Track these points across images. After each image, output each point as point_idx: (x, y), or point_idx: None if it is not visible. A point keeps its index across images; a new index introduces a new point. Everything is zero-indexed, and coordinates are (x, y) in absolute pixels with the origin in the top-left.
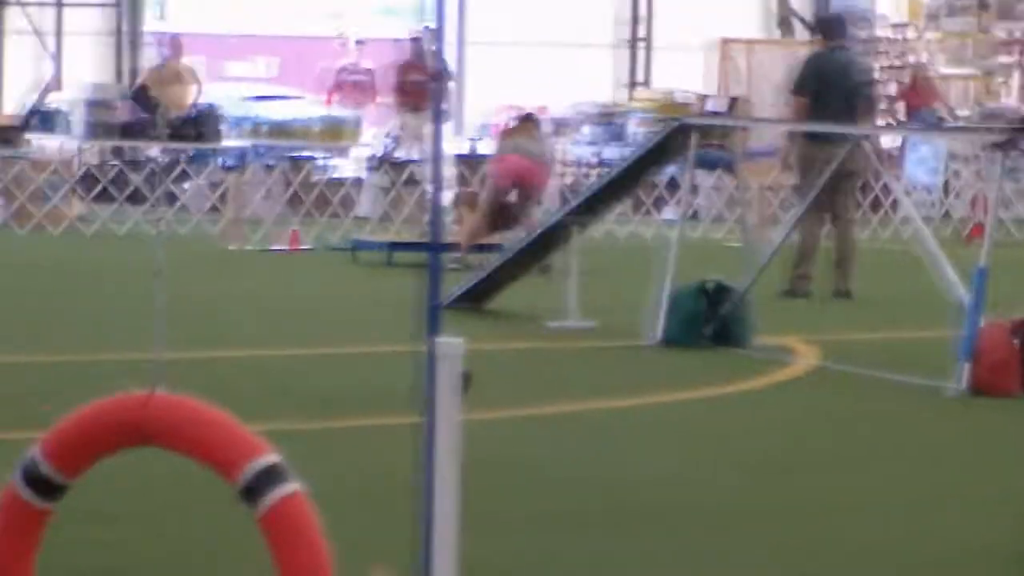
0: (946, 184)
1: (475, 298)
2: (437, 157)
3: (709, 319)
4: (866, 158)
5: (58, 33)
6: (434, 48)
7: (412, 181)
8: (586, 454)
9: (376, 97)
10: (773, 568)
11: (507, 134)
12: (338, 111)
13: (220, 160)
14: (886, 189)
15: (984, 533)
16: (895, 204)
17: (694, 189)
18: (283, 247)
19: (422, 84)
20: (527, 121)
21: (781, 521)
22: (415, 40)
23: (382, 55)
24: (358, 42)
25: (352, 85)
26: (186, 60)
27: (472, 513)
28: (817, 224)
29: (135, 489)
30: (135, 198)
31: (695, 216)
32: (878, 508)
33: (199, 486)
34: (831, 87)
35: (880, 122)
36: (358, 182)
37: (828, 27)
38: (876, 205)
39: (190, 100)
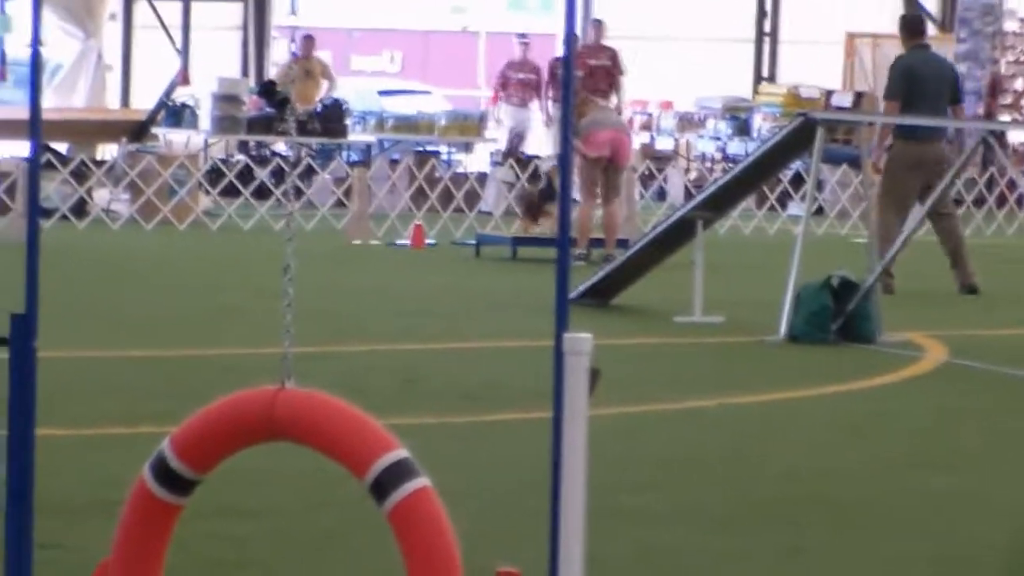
0: None
1: (601, 293)
2: (566, 152)
3: (835, 315)
4: (957, 153)
5: (186, 28)
6: (596, 42)
7: (536, 176)
8: (713, 450)
9: (541, 95)
10: (902, 562)
11: (579, 115)
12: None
13: (346, 155)
14: (1012, 185)
15: None
16: (1021, 200)
17: (819, 184)
18: (407, 242)
19: (580, 78)
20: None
21: (912, 517)
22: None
23: (547, 52)
24: (522, 38)
25: (518, 83)
26: (317, 56)
27: (599, 509)
28: (895, 222)
29: (267, 484)
30: (261, 193)
31: (820, 211)
32: (1009, 506)
33: (331, 481)
34: (919, 87)
35: (1007, 117)
36: (483, 177)
37: (908, 26)
38: (1002, 201)
39: (319, 96)
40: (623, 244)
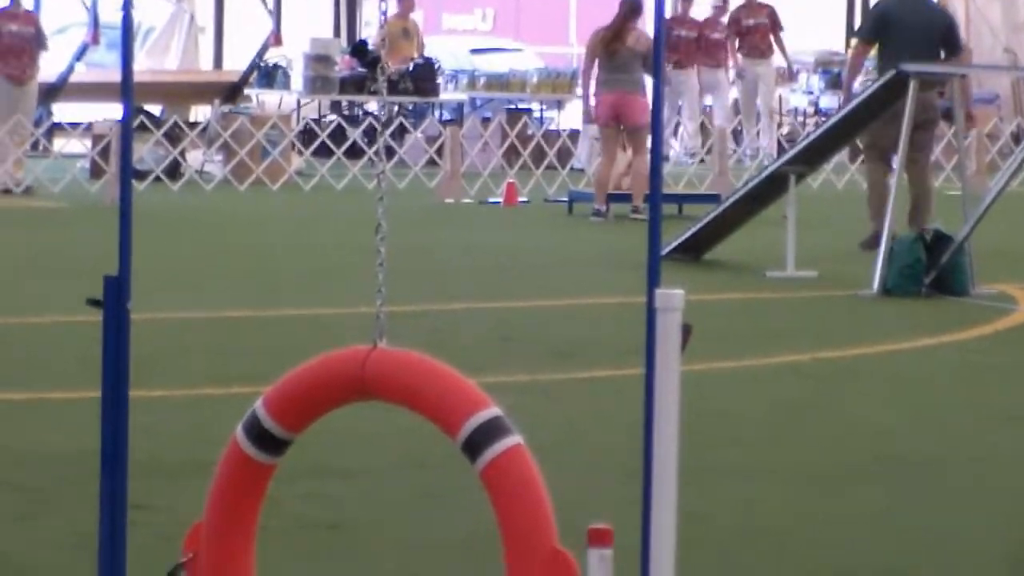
0: None
1: (693, 249)
2: (658, 109)
3: (928, 268)
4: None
5: None
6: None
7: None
8: (807, 405)
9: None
10: (1002, 522)
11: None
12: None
13: (438, 113)
14: None
15: None
16: None
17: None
18: (500, 200)
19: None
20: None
21: (1011, 474)
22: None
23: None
24: None
25: (682, 40)
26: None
27: (692, 465)
28: (880, 172)
29: (360, 444)
30: (353, 152)
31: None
32: None
33: (424, 440)
34: (896, 32)
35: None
36: (575, 134)
37: None
38: None
39: (412, 55)
40: (714, 199)
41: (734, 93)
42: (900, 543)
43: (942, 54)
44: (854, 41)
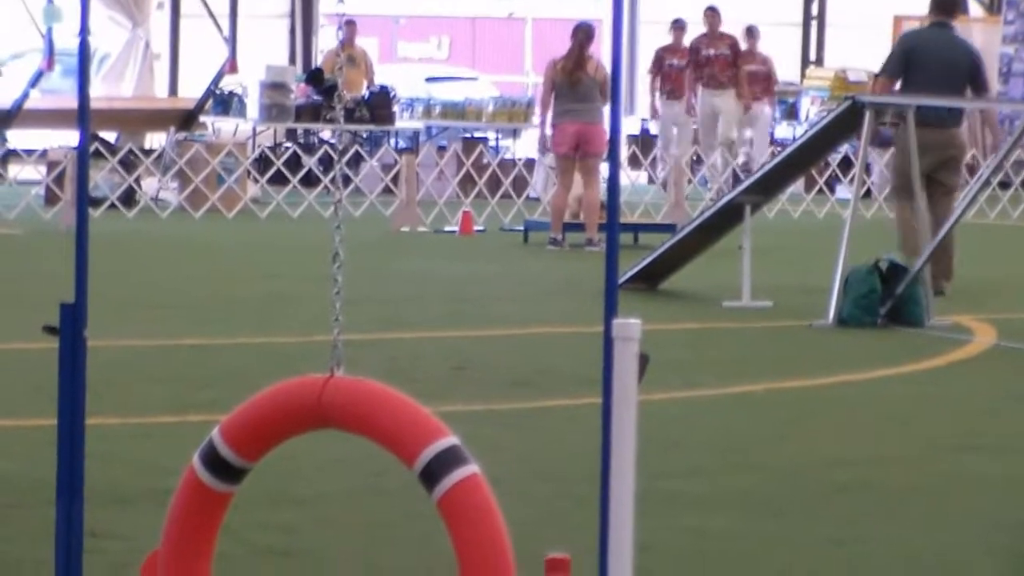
0: None
1: (649, 278)
2: (616, 137)
3: (884, 298)
4: (981, 141)
5: (233, 16)
6: (713, 31)
7: None
8: (762, 435)
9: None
10: (955, 551)
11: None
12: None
13: (394, 142)
14: None
15: None
16: None
17: (867, 167)
18: (455, 229)
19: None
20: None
21: (964, 504)
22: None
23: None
24: (676, 24)
25: (674, 70)
26: (359, 42)
27: (650, 494)
28: (909, 211)
29: (318, 472)
30: (309, 180)
31: (868, 194)
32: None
33: (382, 469)
34: (921, 68)
35: None
36: (531, 163)
37: (935, 2)
38: None
39: (364, 83)
40: (669, 228)
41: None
42: (857, 572)
43: (968, 92)
44: (878, 77)
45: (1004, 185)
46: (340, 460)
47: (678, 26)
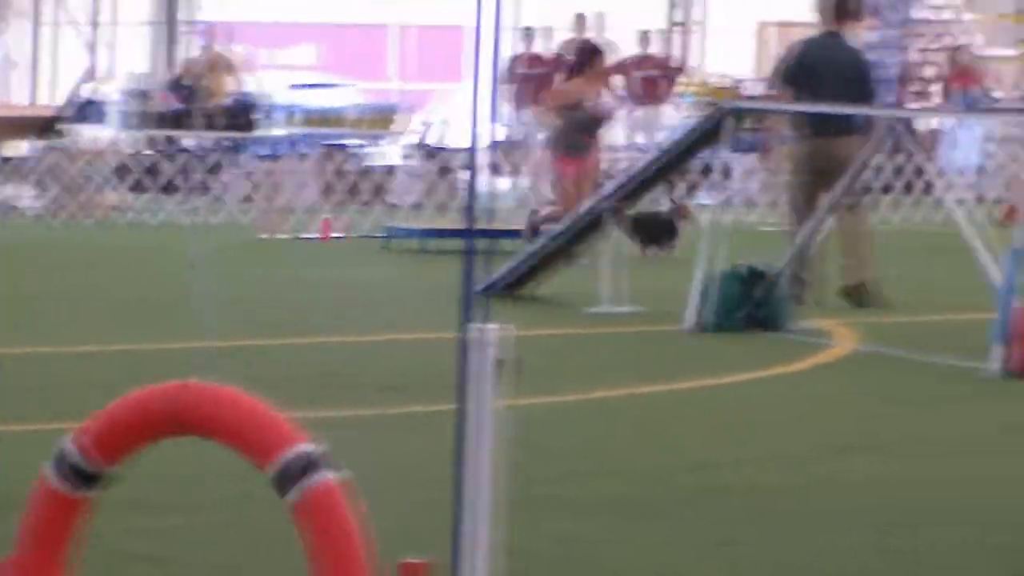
0: (983, 166)
1: (513, 285)
2: (474, 142)
3: (745, 303)
4: (859, 149)
5: (95, 23)
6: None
7: (447, 168)
8: (628, 439)
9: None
10: (833, 546)
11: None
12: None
13: (256, 149)
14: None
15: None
16: (931, 187)
17: (728, 173)
18: (316, 235)
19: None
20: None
21: (830, 505)
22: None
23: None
24: (527, 32)
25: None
26: (223, 49)
27: (518, 500)
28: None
29: (183, 478)
30: (170, 188)
31: (729, 201)
32: (918, 490)
33: (249, 474)
34: (814, 77)
35: (917, 104)
36: (393, 170)
37: (827, 10)
38: (910, 188)
39: (228, 90)
40: (536, 234)
41: None
42: (730, 572)
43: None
44: (776, 87)
45: (886, 189)
46: (206, 466)
47: (529, 35)
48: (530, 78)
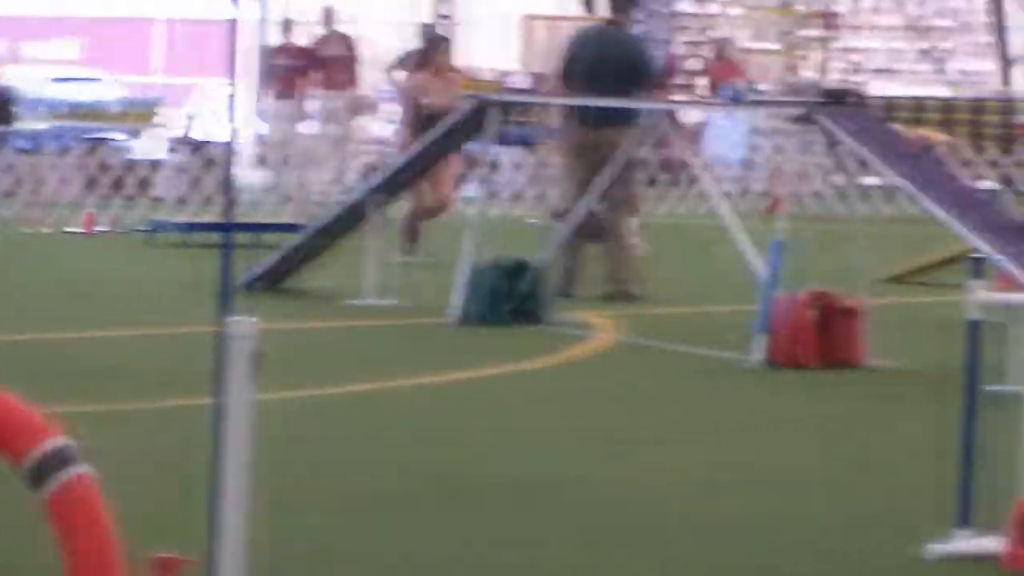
0: (748, 159)
1: (274, 278)
2: (233, 137)
3: (509, 295)
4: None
5: None
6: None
7: (211, 161)
8: (389, 432)
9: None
10: (577, 540)
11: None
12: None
13: (16, 142)
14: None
15: (786, 503)
16: (696, 179)
17: (495, 166)
18: (79, 229)
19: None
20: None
21: (586, 495)
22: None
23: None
24: (284, 24)
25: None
26: None
27: (270, 493)
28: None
29: None
30: None
31: (496, 194)
32: (677, 481)
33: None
34: (580, 67)
35: (682, 97)
36: (157, 163)
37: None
38: (676, 180)
39: None
40: (293, 228)
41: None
42: (487, 565)
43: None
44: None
45: (652, 182)
46: None
47: (287, 26)
48: (290, 70)
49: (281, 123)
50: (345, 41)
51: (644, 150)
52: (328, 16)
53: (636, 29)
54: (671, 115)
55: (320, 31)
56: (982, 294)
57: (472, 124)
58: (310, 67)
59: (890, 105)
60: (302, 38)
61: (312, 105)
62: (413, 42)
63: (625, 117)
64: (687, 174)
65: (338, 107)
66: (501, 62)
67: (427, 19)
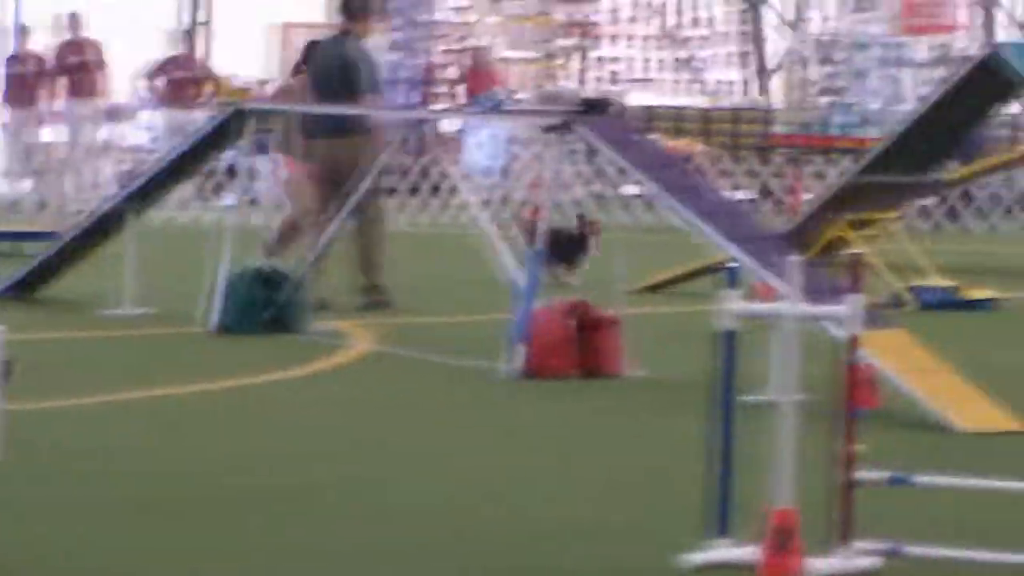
0: (506, 167)
1: (29, 287)
2: None
3: (267, 304)
4: (362, 150)
5: None
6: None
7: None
8: (144, 442)
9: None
10: (339, 548)
11: None
12: None
13: None
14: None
15: (540, 513)
16: (455, 189)
17: (253, 174)
18: None
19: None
20: None
21: (338, 507)
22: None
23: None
24: (22, 30)
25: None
26: None
27: (24, 501)
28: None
29: None
30: None
31: (256, 202)
32: (434, 490)
33: None
34: (315, 76)
35: (441, 105)
36: None
37: (338, 9)
38: (435, 189)
39: None
40: (50, 236)
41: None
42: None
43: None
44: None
45: (413, 191)
46: None
47: (23, 32)
48: (28, 77)
49: (20, 132)
50: (92, 47)
51: (404, 159)
52: (74, 22)
53: (394, 37)
54: (431, 124)
55: (65, 37)
56: (736, 304)
57: (230, 131)
58: (52, 74)
59: (649, 115)
60: (39, 45)
61: (56, 113)
62: (165, 49)
63: (352, 128)
64: (447, 183)
65: (84, 115)
66: (252, 70)
67: (179, 26)
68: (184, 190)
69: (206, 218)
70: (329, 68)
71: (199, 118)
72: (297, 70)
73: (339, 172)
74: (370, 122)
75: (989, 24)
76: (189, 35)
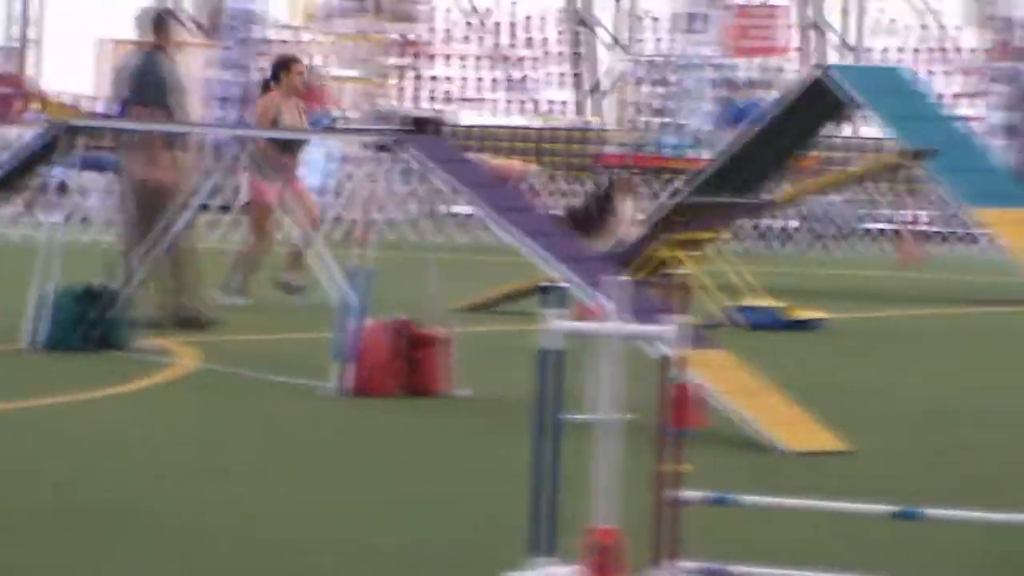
0: (328, 186)
1: None
2: None
3: (91, 322)
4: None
5: None
6: None
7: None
8: None
9: None
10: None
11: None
12: None
13: None
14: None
15: (359, 533)
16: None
17: (83, 191)
18: None
19: None
20: None
21: (163, 525)
22: None
23: None
24: None
25: None
26: None
27: None
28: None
29: None
30: None
31: (86, 219)
32: (254, 511)
33: None
34: (129, 93)
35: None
36: None
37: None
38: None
39: None
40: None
41: None
42: None
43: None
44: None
45: (224, 208)
46: None
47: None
48: None
49: None
50: None
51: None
52: None
53: (219, 55)
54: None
55: None
56: (558, 322)
57: (56, 149)
58: None
59: (479, 134)
60: None
61: None
62: None
63: (168, 144)
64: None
65: None
66: (77, 86)
67: (7, 43)
68: (13, 207)
69: (36, 235)
70: (144, 84)
71: (26, 135)
72: (266, 88)
73: (152, 190)
74: (181, 139)
75: (821, 47)
76: (19, 52)
